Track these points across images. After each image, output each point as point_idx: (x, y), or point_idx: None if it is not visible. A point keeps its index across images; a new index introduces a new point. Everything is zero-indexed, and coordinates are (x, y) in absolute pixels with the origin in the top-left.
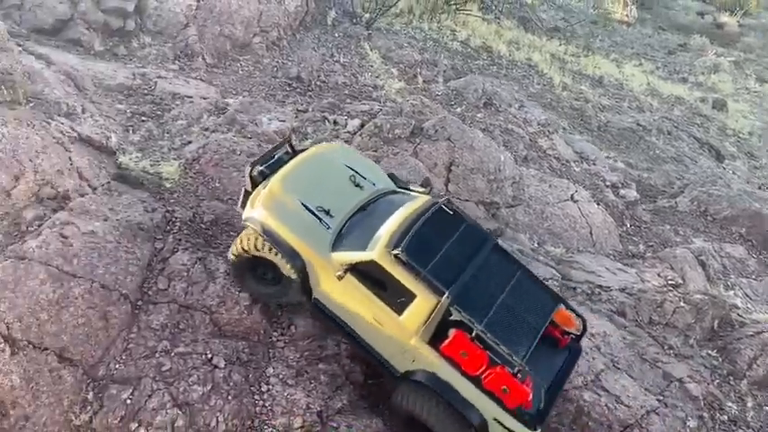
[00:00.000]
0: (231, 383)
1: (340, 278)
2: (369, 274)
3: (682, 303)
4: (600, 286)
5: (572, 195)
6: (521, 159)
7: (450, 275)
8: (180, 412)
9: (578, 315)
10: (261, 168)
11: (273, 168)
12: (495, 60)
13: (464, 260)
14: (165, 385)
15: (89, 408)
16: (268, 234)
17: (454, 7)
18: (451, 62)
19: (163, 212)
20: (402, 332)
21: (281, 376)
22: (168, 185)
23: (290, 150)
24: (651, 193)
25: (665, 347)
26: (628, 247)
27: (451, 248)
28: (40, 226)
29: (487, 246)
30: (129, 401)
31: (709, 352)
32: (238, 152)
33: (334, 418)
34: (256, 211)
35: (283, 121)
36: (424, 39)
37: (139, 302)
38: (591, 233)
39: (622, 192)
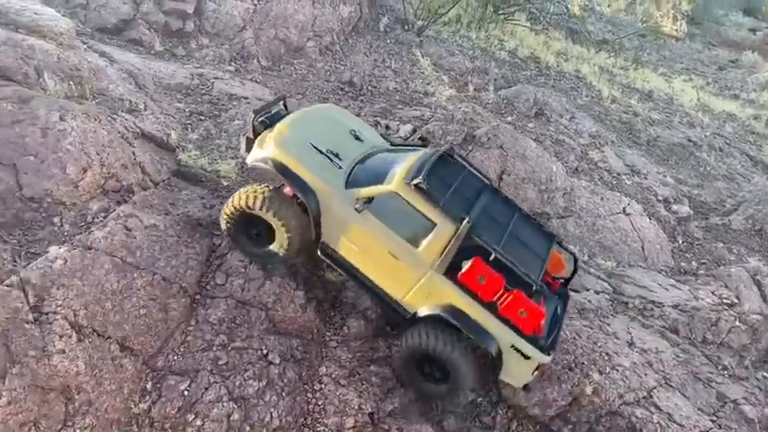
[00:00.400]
0: (285, 380)
1: (358, 211)
2: (386, 209)
3: (737, 323)
4: (652, 302)
5: (624, 208)
6: (571, 171)
7: (462, 209)
8: (235, 406)
9: (570, 252)
10: (262, 118)
11: (274, 120)
12: (543, 71)
13: (471, 198)
14: (222, 379)
15: (148, 397)
16: (280, 169)
17: (502, 17)
18: (501, 71)
19: (220, 208)
20: (419, 264)
21: (333, 376)
22: (225, 183)
23: (284, 108)
24: (703, 210)
25: (719, 367)
26: (680, 263)
27: (459, 188)
28: (105, 218)
29: (488, 189)
30: (186, 393)
31: (765, 374)
32: None
33: (386, 421)
34: (266, 150)
35: None
36: (472, 47)
37: (197, 296)
38: (643, 248)
39: (674, 207)
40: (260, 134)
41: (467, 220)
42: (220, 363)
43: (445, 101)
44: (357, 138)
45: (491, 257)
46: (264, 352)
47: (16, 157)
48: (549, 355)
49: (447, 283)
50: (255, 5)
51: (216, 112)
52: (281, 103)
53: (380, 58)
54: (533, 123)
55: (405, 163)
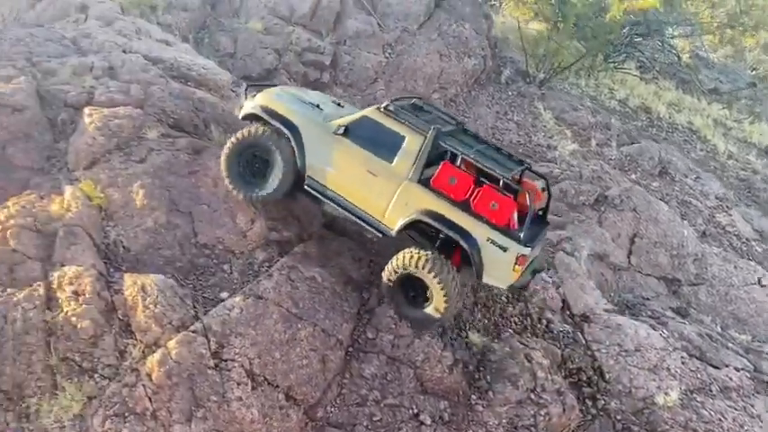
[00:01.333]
0: None
1: (337, 134)
2: (361, 134)
3: None
4: None
5: (759, 279)
6: (699, 234)
7: (429, 125)
8: None
9: (541, 176)
10: (254, 91)
11: None
12: (655, 122)
13: (440, 123)
14: None
15: None
16: (267, 111)
17: (612, 65)
18: (624, 125)
19: (367, 262)
20: (394, 177)
21: None
22: (369, 236)
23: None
24: None
25: None
26: None
27: (428, 118)
28: (269, 267)
29: (458, 124)
30: None
31: None
32: None
33: None
34: (256, 99)
35: None
36: (581, 95)
37: (350, 349)
38: None
39: None
40: None
41: (432, 128)
42: (375, 419)
43: (568, 155)
44: (339, 104)
45: (458, 162)
46: (415, 411)
47: (192, 206)
48: (526, 246)
49: (421, 190)
50: (387, 58)
51: None
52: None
53: (503, 111)
54: (658, 182)
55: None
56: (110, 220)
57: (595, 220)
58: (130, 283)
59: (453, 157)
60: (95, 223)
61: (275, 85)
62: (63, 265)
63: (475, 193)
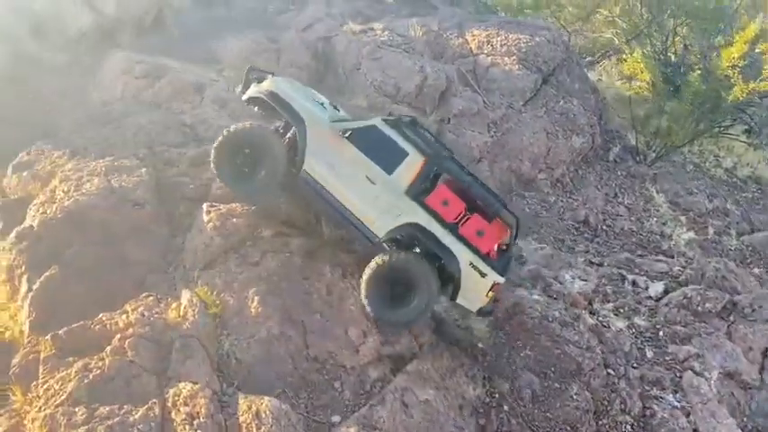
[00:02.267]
0: None
1: (343, 136)
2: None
3: None
4: None
5: None
6: None
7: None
8: None
9: (512, 214)
10: (255, 76)
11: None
12: (767, 193)
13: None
14: None
15: None
16: (274, 98)
17: (717, 131)
18: (741, 209)
19: (481, 380)
20: (391, 188)
21: None
22: (481, 346)
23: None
24: None
25: None
26: None
27: (426, 140)
28: (382, 388)
29: (449, 151)
30: None
31: None
32: (550, 318)
33: None
34: (263, 86)
35: (585, 280)
36: (683, 162)
37: None
38: None
39: None
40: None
41: (435, 152)
42: None
43: (684, 246)
44: (335, 108)
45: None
46: None
47: (305, 315)
48: (502, 275)
49: (415, 205)
50: (492, 137)
51: None
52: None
53: (612, 193)
54: None
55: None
56: (224, 329)
57: (723, 332)
58: (245, 408)
59: (449, 182)
60: (210, 333)
61: (273, 74)
62: (179, 381)
63: (464, 219)
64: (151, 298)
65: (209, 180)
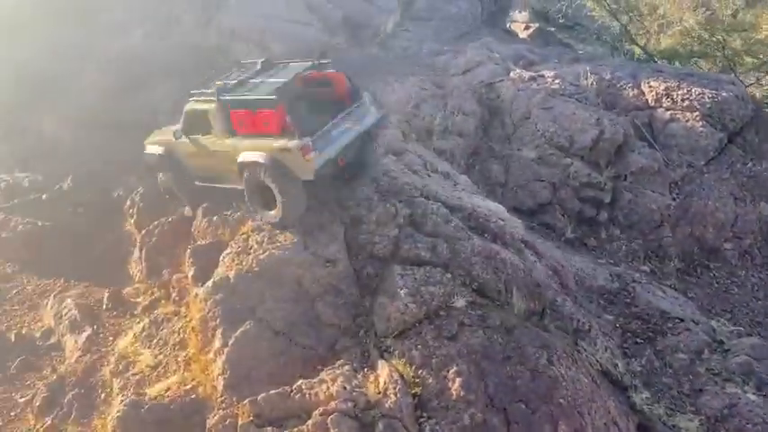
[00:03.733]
0: None
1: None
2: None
3: None
4: None
5: None
6: None
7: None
8: None
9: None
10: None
11: None
12: None
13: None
14: None
15: None
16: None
17: None
18: None
19: None
20: (223, 142)
21: None
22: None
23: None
24: None
25: None
26: None
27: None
28: None
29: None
30: None
31: None
32: None
33: None
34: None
35: None
36: None
37: None
38: None
39: None
40: None
41: (220, 95)
42: None
43: None
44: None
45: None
46: None
47: (507, 402)
48: (300, 139)
49: (231, 139)
50: (675, 200)
51: (651, 334)
52: None
53: None
54: None
55: None
56: (424, 411)
57: None
58: None
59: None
60: (411, 415)
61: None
62: None
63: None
64: (347, 367)
65: (396, 239)
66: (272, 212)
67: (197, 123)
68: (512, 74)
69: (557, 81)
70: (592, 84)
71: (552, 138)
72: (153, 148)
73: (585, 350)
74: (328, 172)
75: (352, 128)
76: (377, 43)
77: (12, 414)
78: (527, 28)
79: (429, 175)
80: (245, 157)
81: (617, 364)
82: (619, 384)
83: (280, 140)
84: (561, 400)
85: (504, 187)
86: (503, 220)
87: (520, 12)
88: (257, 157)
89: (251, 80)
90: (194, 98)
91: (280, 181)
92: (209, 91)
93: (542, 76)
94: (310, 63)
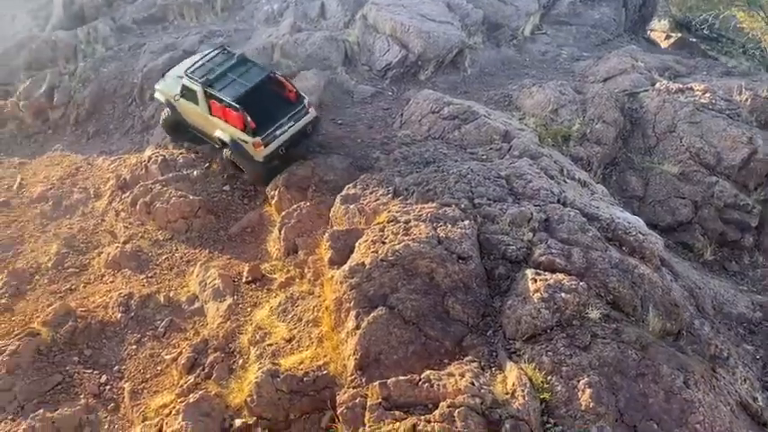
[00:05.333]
0: None
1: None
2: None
3: None
4: None
5: None
6: None
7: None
8: None
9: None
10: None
11: None
12: None
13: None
14: None
15: None
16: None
17: None
18: None
19: None
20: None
21: None
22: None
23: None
24: None
25: None
26: None
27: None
28: None
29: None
30: None
31: None
32: None
33: None
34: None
35: None
36: None
37: None
38: None
39: None
40: None
41: (203, 81)
42: None
43: None
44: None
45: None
46: None
47: (638, 420)
48: (256, 136)
49: (210, 117)
50: None
51: None
52: None
53: None
54: None
55: None
56: (551, 416)
57: None
58: None
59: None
60: (538, 419)
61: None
62: None
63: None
64: (475, 364)
65: (530, 243)
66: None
67: (189, 95)
68: (657, 84)
69: (706, 95)
70: (746, 100)
71: (698, 154)
72: (159, 96)
73: (724, 378)
74: (274, 155)
75: (292, 127)
76: (513, 45)
77: (158, 369)
78: (668, 38)
79: (566, 182)
80: (219, 134)
81: (756, 398)
82: (757, 419)
83: (241, 133)
84: (697, 426)
85: (642, 201)
86: (642, 234)
87: (660, 21)
88: (227, 138)
89: (228, 74)
90: (188, 77)
91: (240, 158)
92: (198, 77)
93: (691, 88)
94: (269, 71)
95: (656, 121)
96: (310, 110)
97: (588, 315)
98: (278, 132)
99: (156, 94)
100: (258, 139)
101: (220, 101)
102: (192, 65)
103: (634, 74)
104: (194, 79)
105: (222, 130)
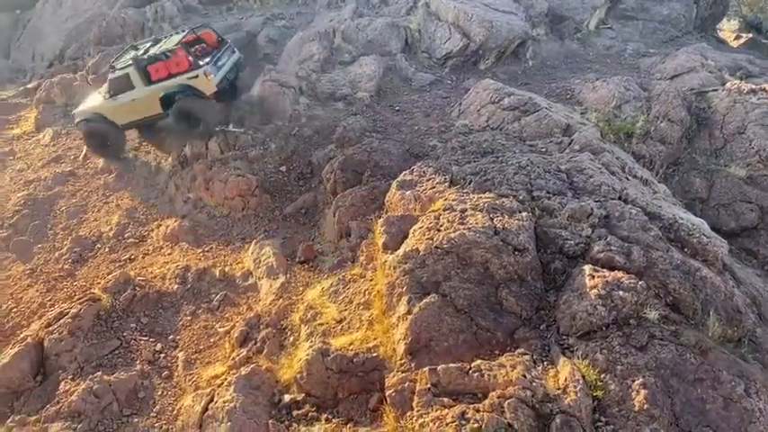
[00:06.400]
0: None
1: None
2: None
3: None
4: None
5: None
6: None
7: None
8: None
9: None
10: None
11: None
12: None
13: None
14: None
15: None
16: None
17: None
18: None
19: None
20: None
21: None
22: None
23: None
24: None
25: None
26: None
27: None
28: None
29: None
30: None
31: None
32: None
33: None
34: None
35: None
36: None
37: None
38: None
39: None
40: None
41: (133, 59)
42: None
43: None
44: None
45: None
46: None
47: (693, 425)
48: (200, 68)
49: (150, 86)
50: None
51: None
52: None
53: None
54: None
55: None
56: (602, 415)
57: None
58: None
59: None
60: (589, 416)
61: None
62: None
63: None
64: (527, 357)
65: (589, 239)
66: (198, 129)
67: (121, 85)
68: (727, 84)
69: None
70: None
71: None
72: (81, 116)
73: None
74: (221, 88)
75: (228, 59)
76: (577, 38)
77: (211, 340)
78: (737, 38)
79: (627, 179)
80: (167, 90)
81: None
82: None
83: (188, 73)
84: None
85: (705, 204)
86: (706, 237)
87: (729, 20)
88: (176, 87)
89: (153, 47)
90: (116, 70)
91: (192, 102)
92: (127, 62)
93: (764, 89)
94: (188, 29)
95: (725, 122)
96: (236, 50)
97: (646, 315)
98: (219, 63)
99: (77, 120)
100: (207, 66)
101: (159, 58)
102: (112, 63)
103: (703, 72)
104: (124, 66)
105: (167, 89)
